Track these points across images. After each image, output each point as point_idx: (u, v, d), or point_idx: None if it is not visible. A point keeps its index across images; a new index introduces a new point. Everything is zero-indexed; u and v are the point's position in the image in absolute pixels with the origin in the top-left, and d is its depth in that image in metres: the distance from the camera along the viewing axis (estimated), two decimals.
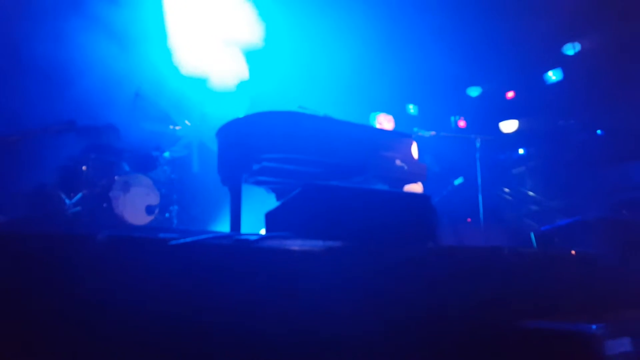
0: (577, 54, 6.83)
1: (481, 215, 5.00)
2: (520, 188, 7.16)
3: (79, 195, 4.40)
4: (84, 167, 4.51)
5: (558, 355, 1.80)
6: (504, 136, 7.36)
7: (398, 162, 3.47)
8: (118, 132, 4.81)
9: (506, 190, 7.16)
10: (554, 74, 7.02)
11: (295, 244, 1.84)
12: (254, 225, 3.55)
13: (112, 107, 5.04)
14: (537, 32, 6.43)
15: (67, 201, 4.32)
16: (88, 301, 1.47)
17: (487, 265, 2.22)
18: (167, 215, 4.99)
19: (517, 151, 7.40)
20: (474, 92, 7.68)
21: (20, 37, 4.74)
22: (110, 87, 5.05)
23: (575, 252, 2.59)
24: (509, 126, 7.41)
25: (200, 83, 5.68)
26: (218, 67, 5.65)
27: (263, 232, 2.74)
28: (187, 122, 5.53)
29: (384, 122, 4.75)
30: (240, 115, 3.40)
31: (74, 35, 4.86)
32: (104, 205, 4.37)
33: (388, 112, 4.92)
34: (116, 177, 4.48)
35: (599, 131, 6.73)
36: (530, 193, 7.04)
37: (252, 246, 1.83)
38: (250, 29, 5.83)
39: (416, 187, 4.42)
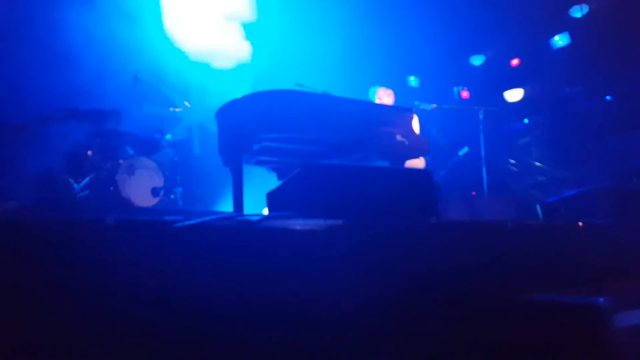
0: (584, 17, 6.59)
1: (485, 188, 4.99)
2: (526, 159, 7.07)
3: (87, 179, 4.46)
4: (89, 152, 4.56)
5: (566, 328, 1.78)
6: (509, 106, 7.24)
7: (399, 137, 3.45)
8: (120, 116, 4.83)
9: (512, 161, 7.08)
10: (560, 39, 6.78)
11: (297, 224, 1.86)
12: (257, 204, 3.58)
13: (112, 91, 5.04)
14: None
15: (75, 186, 4.39)
16: (99, 282, 1.51)
17: (491, 239, 2.22)
18: (172, 196, 5.05)
19: (522, 121, 7.28)
20: (477, 60, 7.50)
21: (19, 23, 4.71)
22: (109, 72, 5.04)
23: (583, 224, 2.56)
24: (513, 95, 7.27)
25: (199, 63, 5.63)
26: (220, 44, 5.56)
27: (265, 211, 2.77)
28: (186, 103, 5.52)
29: (384, 96, 4.70)
30: (240, 95, 3.38)
31: (71, 21, 4.82)
32: (111, 188, 4.43)
33: (388, 85, 4.86)
34: (121, 161, 4.53)
35: (608, 97, 6.59)
36: (537, 163, 6.96)
37: (254, 227, 1.86)
38: (247, 3, 5.72)
39: (418, 162, 4.41)
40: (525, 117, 7.26)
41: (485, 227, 2.37)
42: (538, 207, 3.62)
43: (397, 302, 1.82)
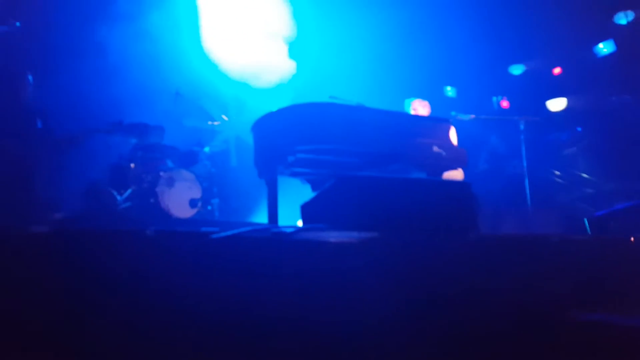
0: (630, 24, 6.33)
1: (529, 201, 4.82)
2: (573, 170, 6.80)
3: (129, 191, 4.63)
4: (132, 165, 4.73)
5: (617, 350, 1.67)
6: (552, 116, 6.98)
7: (435, 148, 3.38)
8: (164, 132, 5.01)
9: (557, 173, 6.82)
10: (605, 46, 6.55)
11: (332, 236, 1.84)
12: (291, 216, 3.59)
13: (155, 106, 5.24)
14: (584, 0, 6.03)
15: (118, 197, 4.55)
16: (138, 290, 1.55)
17: (535, 254, 2.12)
18: (209, 207, 5.15)
19: (567, 131, 7.01)
20: (516, 70, 7.31)
21: (67, 42, 4.98)
22: (151, 88, 5.24)
23: (635, 239, 2.41)
24: (556, 105, 7.02)
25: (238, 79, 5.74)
26: (262, 62, 5.62)
27: (300, 223, 2.77)
28: (224, 117, 5.65)
29: (419, 107, 4.64)
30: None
31: (117, 41, 5.07)
32: (151, 200, 4.57)
33: (424, 96, 4.80)
34: (161, 173, 4.67)
35: None
36: (584, 175, 6.66)
37: (288, 238, 1.86)
38: (286, 19, 5.81)
39: (456, 174, 4.31)
40: (569, 127, 6.99)
41: (529, 242, 2.26)
42: (586, 221, 3.46)
43: (434, 320, 1.76)
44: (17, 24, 3.90)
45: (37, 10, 4.65)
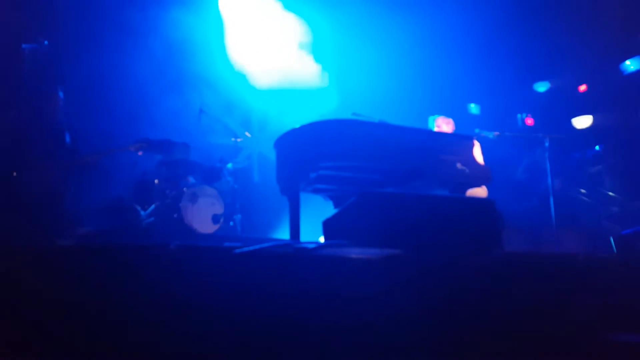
0: None
1: (553, 219, 4.72)
2: (599, 188, 6.64)
3: (152, 206, 4.72)
4: (156, 181, 4.83)
5: None
6: (577, 133, 6.87)
7: (459, 165, 3.35)
8: (189, 148, 5.11)
9: (582, 191, 6.67)
10: (631, 63, 6.44)
11: (353, 252, 1.84)
12: (313, 232, 3.60)
13: (180, 123, 5.36)
14: (611, 17, 5.95)
15: (142, 213, 4.64)
16: (162, 304, 1.58)
17: (560, 273, 2.07)
18: (231, 223, 5.19)
19: (593, 148, 6.87)
20: (541, 87, 7.24)
21: (91, 59, 5.16)
22: (176, 105, 5.38)
23: None
24: (582, 122, 6.91)
25: (262, 97, 5.83)
26: (299, 68, 5.64)
27: (322, 239, 2.78)
28: (247, 133, 5.75)
29: (443, 124, 4.63)
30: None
31: (142, 58, 5.23)
32: (175, 215, 4.64)
33: (448, 113, 4.79)
34: (185, 189, 4.74)
35: None
36: (610, 193, 6.50)
37: (310, 254, 1.87)
38: (307, 32, 5.89)
39: (480, 192, 4.26)
40: (595, 145, 6.85)
41: (554, 260, 2.21)
42: (612, 240, 3.37)
43: (457, 340, 1.73)
44: (46, 42, 4.07)
45: (64, 29, 4.84)
